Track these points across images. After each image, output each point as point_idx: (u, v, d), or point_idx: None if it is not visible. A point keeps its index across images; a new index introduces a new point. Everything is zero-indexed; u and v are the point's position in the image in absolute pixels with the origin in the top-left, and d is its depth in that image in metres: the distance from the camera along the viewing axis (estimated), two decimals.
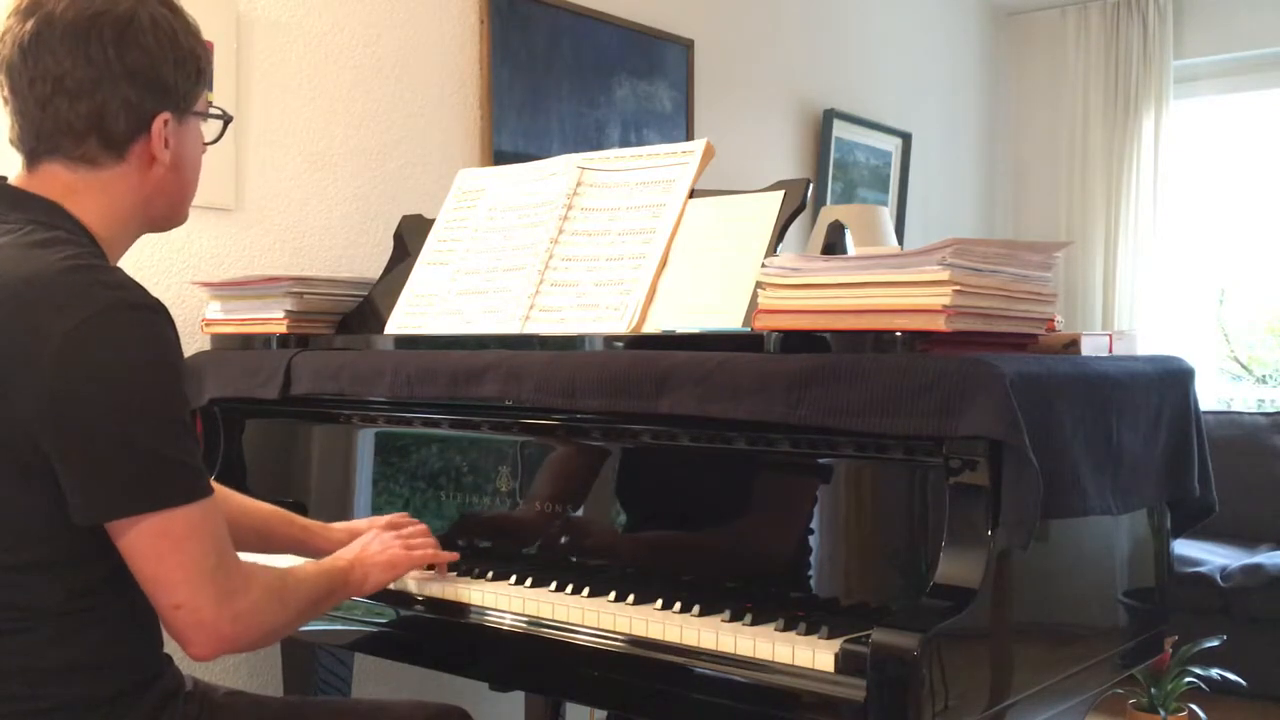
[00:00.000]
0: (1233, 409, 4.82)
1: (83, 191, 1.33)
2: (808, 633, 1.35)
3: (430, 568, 1.70)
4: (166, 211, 1.42)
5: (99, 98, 1.30)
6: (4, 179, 1.37)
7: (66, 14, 1.29)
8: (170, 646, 1.42)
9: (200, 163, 1.45)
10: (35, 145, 1.33)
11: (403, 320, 2.08)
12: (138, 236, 1.42)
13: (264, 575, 1.35)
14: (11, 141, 1.36)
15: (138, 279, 1.27)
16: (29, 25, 1.29)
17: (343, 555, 1.60)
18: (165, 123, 1.35)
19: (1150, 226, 4.85)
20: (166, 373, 1.24)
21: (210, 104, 1.46)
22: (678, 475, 1.65)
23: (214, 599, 1.25)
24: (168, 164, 1.37)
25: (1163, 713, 3.10)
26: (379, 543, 1.64)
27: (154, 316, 1.24)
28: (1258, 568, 3.77)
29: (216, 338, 2.26)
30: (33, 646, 1.24)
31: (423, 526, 1.72)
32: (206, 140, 1.47)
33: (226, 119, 1.50)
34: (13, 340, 1.20)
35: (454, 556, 1.70)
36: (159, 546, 1.22)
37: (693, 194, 1.88)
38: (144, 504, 1.21)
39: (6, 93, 1.33)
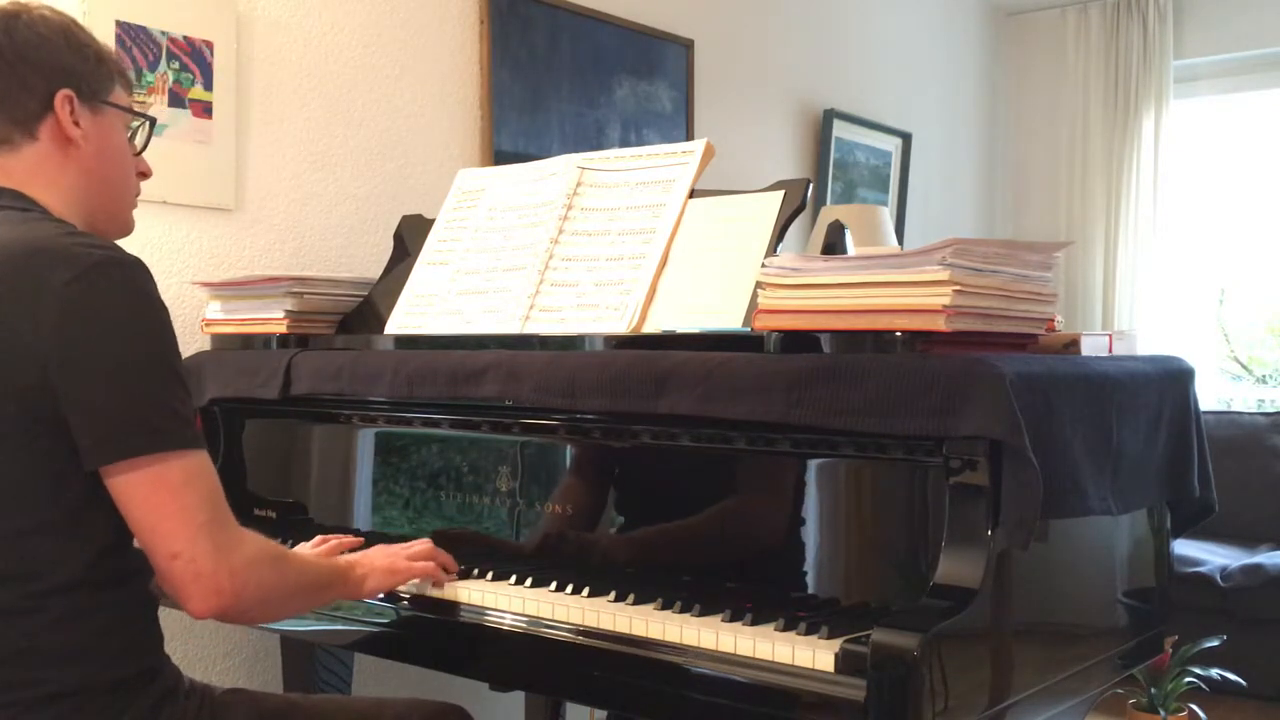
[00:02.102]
0: (1233, 409, 4.82)
1: (19, 174, 1.40)
2: (808, 633, 1.35)
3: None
4: (101, 203, 1.47)
5: (1, 83, 1.38)
6: None
7: None
8: (170, 648, 1.42)
9: (128, 161, 1.50)
10: None
11: (403, 320, 2.08)
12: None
13: (261, 540, 1.39)
14: None
15: None
16: None
17: (345, 556, 1.63)
18: (70, 100, 1.41)
19: (1150, 226, 4.85)
20: (156, 322, 1.30)
21: (132, 105, 1.51)
22: (678, 475, 1.65)
23: (211, 550, 1.27)
24: (83, 144, 1.42)
25: (1163, 713, 3.11)
26: (381, 551, 1.65)
27: (140, 272, 1.31)
28: (1258, 568, 3.78)
29: (216, 338, 2.26)
30: (36, 629, 1.26)
31: (427, 543, 1.71)
32: (138, 150, 1.52)
33: (150, 121, 1.55)
34: (19, 297, 1.26)
35: (454, 578, 1.69)
36: (155, 493, 1.26)
37: (693, 194, 1.88)
38: (139, 447, 1.25)
39: None
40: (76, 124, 1.41)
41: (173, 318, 1.33)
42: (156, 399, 1.27)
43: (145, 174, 1.54)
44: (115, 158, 1.48)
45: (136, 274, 1.30)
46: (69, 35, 1.43)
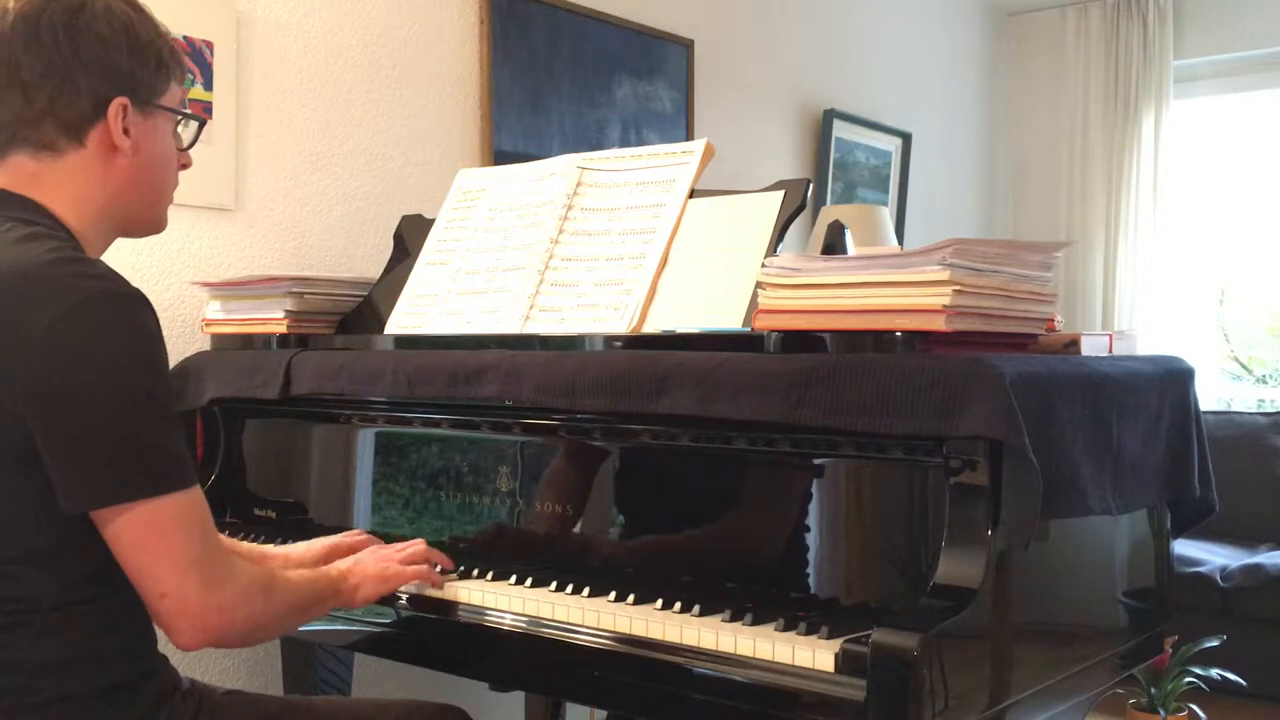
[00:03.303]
0: (1233, 409, 4.82)
1: (49, 182, 1.34)
2: (808, 633, 1.35)
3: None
4: (138, 210, 1.42)
5: (53, 82, 1.32)
6: None
7: (19, 4, 1.32)
8: (168, 648, 1.42)
9: (173, 162, 1.45)
10: None
11: (403, 320, 2.08)
12: (113, 236, 1.42)
13: (251, 569, 1.37)
14: None
15: (139, 279, 1.28)
16: None
17: (337, 565, 1.60)
18: (124, 109, 1.35)
19: (1150, 226, 4.84)
20: (149, 360, 1.25)
21: (185, 104, 1.46)
22: (678, 475, 1.65)
23: (199, 588, 1.25)
24: (130, 153, 1.37)
25: (1163, 713, 3.11)
26: (373, 556, 1.64)
27: (135, 305, 1.25)
28: (1258, 568, 3.77)
29: (216, 338, 2.25)
30: (27, 641, 1.25)
31: (420, 543, 1.71)
32: (183, 146, 1.47)
33: (201, 121, 1.50)
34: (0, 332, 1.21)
35: (452, 577, 1.69)
36: (144, 535, 1.23)
37: (693, 194, 1.88)
38: (128, 492, 1.22)
39: None
40: (126, 131, 1.36)
41: (173, 318, 1.31)
42: (145, 442, 1.23)
43: (186, 165, 1.48)
44: (160, 162, 1.42)
45: (130, 308, 1.24)
46: (132, 35, 1.36)
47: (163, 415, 1.26)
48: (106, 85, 1.34)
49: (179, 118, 1.45)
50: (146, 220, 1.45)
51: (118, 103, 1.35)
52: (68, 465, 1.21)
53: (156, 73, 1.39)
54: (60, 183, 1.34)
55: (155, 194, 1.43)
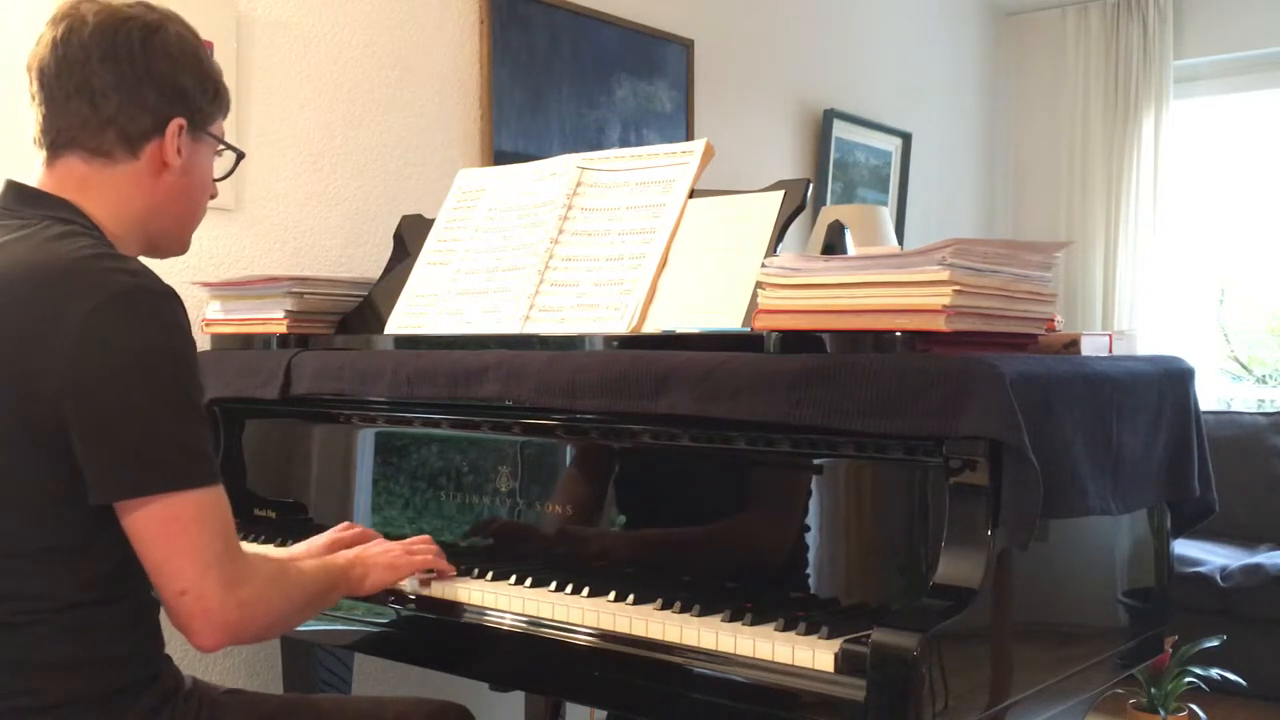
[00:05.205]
0: (1233, 409, 4.82)
1: (95, 187, 1.38)
2: (808, 633, 1.35)
3: (430, 574, 1.71)
4: (171, 227, 1.47)
5: (121, 94, 1.37)
6: (15, 182, 1.41)
7: (98, 16, 1.37)
8: (170, 647, 1.42)
9: (208, 189, 1.51)
10: (56, 137, 1.38)
11: (403, 320, 2.08)
12: (141, 249, 1.46)
13: (267, 565, 1.38)
14: (35, 139, 1.41)
15: None
16: (61, 26, 1.37)
17: (344, 554, 1.62)
18: (180, 129, 1.41)
19: (1150, 226, 4.84)
20: (181, 357, 1.28)
21: (224, 134, 1.52)
22: (678, 475, 1.65)
23: (219, 585, 1.26)
24: (178, 172, 1.43)
25: (1163, 713, 3.11)
26: (380, 545, 1.65)
27: (169, 303, 1.29)
28: (1258, 568, 3.77)
29: (216, 338, 2.26)
30: (36, 641, 1.26)
31: (425, 537, 1.72)
32: (217, 176, 1.53)
33: (240, 154, 1.56)
34: (35, 322, 1.24)
35: (453, 570, 1.69)
36: (167, 530, 1.24)
37: (693, 194, 1.88)
38: (152, 484, 1.24)
39: (35, 88, 1.39)
40: (179, 151, 1.41)
41: (185, 306, 1.32)
42: (173, 435, 1.25)
43: (213, 195, 1.54)
44: (201, 186, 1.49)
45: (165, 304, 1.28)
46: (198, 63, 1.43)
47: (190, 411, 1.28)
48: (170, 104, 1.40)
49: (219, 148, 1.51)
50: (174, 239, 1.51)
51: (176, 122, 1.41)
52: (97, 456, 1.23)
53: (213, 102, 1.46)
54: (104, 189, 1.39)
55: (189, 215, 1.50)
